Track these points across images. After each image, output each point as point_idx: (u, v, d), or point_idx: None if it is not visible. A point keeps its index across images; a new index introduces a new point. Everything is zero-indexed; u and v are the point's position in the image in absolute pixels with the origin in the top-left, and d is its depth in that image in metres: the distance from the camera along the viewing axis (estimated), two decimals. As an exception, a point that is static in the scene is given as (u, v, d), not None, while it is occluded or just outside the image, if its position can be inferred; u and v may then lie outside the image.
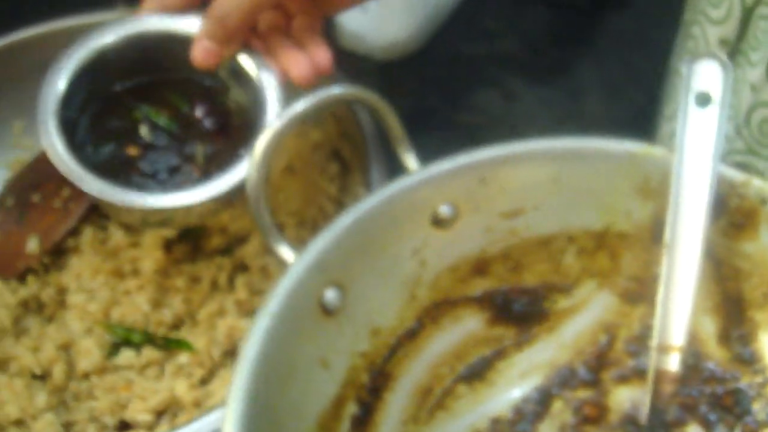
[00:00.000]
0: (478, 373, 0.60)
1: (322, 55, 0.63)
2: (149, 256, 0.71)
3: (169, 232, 0.72)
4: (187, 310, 0.71)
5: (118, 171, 0.64)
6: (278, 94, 0.62)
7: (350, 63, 0.89)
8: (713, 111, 0.57)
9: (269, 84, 0.63)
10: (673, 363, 0.55)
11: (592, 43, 0.95)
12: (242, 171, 0.60)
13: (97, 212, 0.74)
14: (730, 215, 0.57)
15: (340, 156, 0.78)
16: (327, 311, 0.54)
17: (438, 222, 0.58)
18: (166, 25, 0.64)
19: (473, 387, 0.60)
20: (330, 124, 0.78)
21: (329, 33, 0.90)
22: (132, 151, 0.66)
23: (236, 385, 0.48)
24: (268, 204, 0.55)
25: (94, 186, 0.62)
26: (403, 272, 0.58)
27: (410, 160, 0.58)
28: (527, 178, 0.58)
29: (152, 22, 0.65)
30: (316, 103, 0.55)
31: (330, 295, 0.54)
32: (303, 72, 0.62)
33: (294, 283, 0.52)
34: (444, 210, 0.57)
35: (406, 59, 0.93)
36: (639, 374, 0.59)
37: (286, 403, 0.51)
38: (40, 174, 0.77)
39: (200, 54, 0.62)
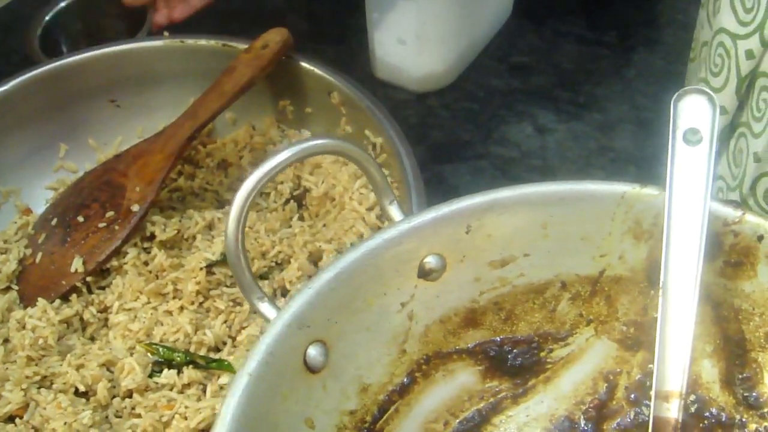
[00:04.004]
0: (473, 429, 0.58)
1: None
2: (191, 278, 0.73)
3: (211, 255, 0.73)
4: (227, 332, 0.72)
5: None
6: None
7: (386, 94, 0.90)
8: (703, 148, 0.55)
9: None
10: (673, 410, 0.53)
11: (622, 79, 0.96)
12: None
13: (140, 234, 0.76)
14: (726, 254, 0.55)
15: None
16: (311, 369, 0.52)
17: (425, 273, 0.56)
18: None
19: (469, 443, 0.58)
20: (369, 154, 0.79)
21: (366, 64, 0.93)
22: None
23: (214, 449, 0.47)
24: (247, 260, 0.54)
25: None
26: (391, 326, 0.56)
27: (394, 212, 0.57)
28: (514, 226, 0.56)
29: None
30: (295, 154, 0.54)
31: (313, 352, 0.52)
32: None
33: (274, 342, 0.50)
34: (430, 261, 0.56)
35: (440, 91, 0.96)
36: (641, 424, 0.57)
37: (269, 466, 0.50)
38: (84, 195, 0.79)
39: None
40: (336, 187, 0.79)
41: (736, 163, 0.69)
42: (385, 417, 0.56)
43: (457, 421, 0.58)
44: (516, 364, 0.59)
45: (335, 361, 0.54)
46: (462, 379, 0.58)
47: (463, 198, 0.56)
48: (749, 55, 0.65)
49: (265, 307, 0.54)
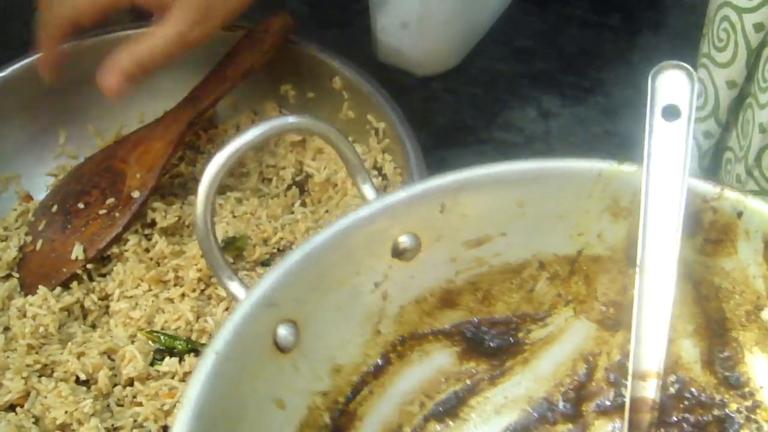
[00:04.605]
0: (450, 410, 0.57)
1: None
2: (192, 265, 0.72)
3: None
4: (229, 319, 0.71)
5: None
6: None
7: (389, 78, 0.89)
8: (681, 124, 0.54)
9: None
10: (651, 390, 0.52)
11: (627, 62, 0.95)
12: None
13: (141, 221, 0.75)
14: (706, 231, 0.54)
15: (381, 170, 0.78)
16: (281, 349, 0.52)
17: (399, 253, 0.55)
18: None
19: (446, 425, 0.57)
20: (372, 139, 0.79)
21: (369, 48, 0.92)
22: None
23: (177, 429, 0.46)
24: (216, 239, 0.53)
25: None
26: (365, 307, 0.55)
27: (368, 191, 0.56)
28: (489, 204, 0.56)
29: None
30: (263, 133, 0.53)
31: (283, 332, 0.52)
32: None
33: (242, 321, 0.50)
34: (404, 241, 0.55)
35: (443, 76, 0.94)
36: (621, 405, 0.56)
37: (236, 446, 0.49)
38: (84, 182, 0.79)
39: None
40: (338, 173, 0.79)
41: (744, 134, 0.68)
42: (358, 398, 0.55)
43: (433, 402, 0.57)
44: (493, 345, 0.58)
45: (306, 342, 0.53)
46: (438, 361, 0.57)
47: (436, 176, 0.55)
48: (758, 27, 0.64)
49: (234, 287, 0.53)
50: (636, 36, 0.98)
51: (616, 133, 0.89)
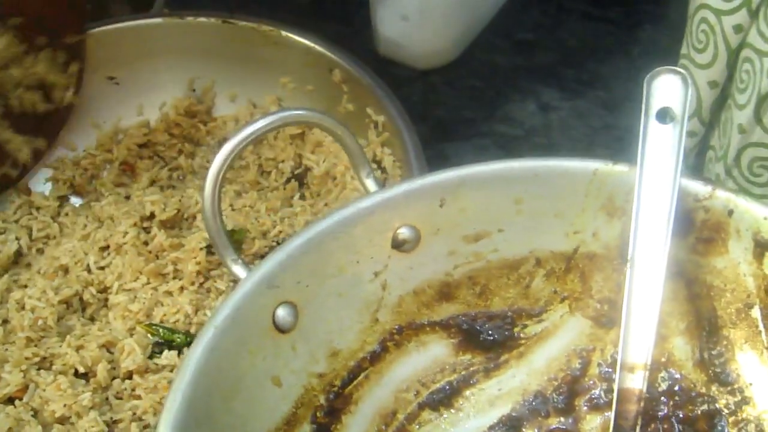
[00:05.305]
0: (444, 400, 0.58)
1: None
2: (191, 258, 0.73)
3: None
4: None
5: None
6: None
7: (389, 71, 0.89)
8: (675, 126, 0.56)
9: None
10: (637, 381, 0.53)
11: (627, 56, 0.95)
12: None
13: (140, 213, 0.76)
14: (698, 230, 0.56)
15: (380, 164, 0.79)
16: (280, 329, 0.54)
17: (399, 244, 0.57)
18: None
19: (439, 413, 0.58)
20: (371, 132, 0.80)
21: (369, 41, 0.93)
22: None
23: (172, 397, 0.48)
24: (223, 222, 0.55)
25: None
26: (364, 294, 0.57)
27: (370, 184, 0.58)
28: (488, 201, 0.57)
29: None
30: (271, 123, 0.56)
31: (282, 312, 0.54)
32: None
33: (243, 299, 0.52)
34: (404, 232, 0.57)
35: (443, 69, 0.94)
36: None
37: (229, 417, 0.51)
38: None
39: None
40: (338, 166, 0.79)
41: (724, 133, 0.69)
42: (354, 382, 0.57)
43: (428, 391, 0.58)
44: (489, 338, 0.59)
45: (305, 324, 0.55)
46: (435, 351, 0.59)
47: (437, 172, 0.58)
48: (738, 29, 0.65)
49: (237, 269, 0.56)
50: (637, 29, 0.97)
51: (616, 127, 0.89)
